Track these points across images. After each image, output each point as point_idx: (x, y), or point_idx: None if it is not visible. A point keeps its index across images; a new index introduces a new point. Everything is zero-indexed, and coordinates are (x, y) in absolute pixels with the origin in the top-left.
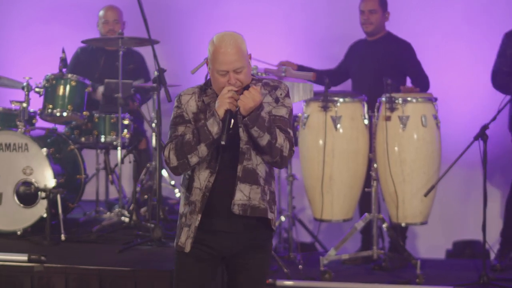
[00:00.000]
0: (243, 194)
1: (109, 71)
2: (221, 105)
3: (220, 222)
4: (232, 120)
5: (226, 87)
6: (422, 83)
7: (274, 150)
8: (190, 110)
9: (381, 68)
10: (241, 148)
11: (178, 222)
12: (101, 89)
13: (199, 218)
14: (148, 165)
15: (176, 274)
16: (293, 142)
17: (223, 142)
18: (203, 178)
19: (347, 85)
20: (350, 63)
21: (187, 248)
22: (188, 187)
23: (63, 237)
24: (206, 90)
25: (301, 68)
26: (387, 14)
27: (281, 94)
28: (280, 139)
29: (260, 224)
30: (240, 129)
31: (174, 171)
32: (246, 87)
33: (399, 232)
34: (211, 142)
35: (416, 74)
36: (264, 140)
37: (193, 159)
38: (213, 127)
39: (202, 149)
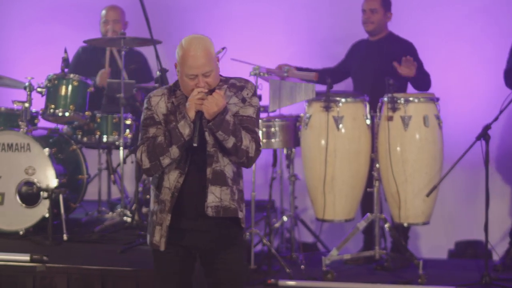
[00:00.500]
0: (214, 196)
1: (111, 71)
2: (191, 107)
3: (189, 221)
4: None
5: (195, 89)
6: (423, 81)
7: (239, 152)
8: (160, 111)
9: (382, 68)
10: (208, 151)
11: (149, 219)
12: (99, 74)
13: (169, 218)
14: None
15: (155, 272)
16: (260, 143)
17: (195, 144)
18: (172, 178)
19: (349, 85)
20: (351, 62)
21: (162, 247)
22: (158, 186)
23: (65, 237)
24: (175, 91)
25: (300, 70)
26: (389, 15)
27: (247, 94)
28: (246, 140)
29: (229, 222)
30: (206, 132)
31: (147, 172)
32: (211, 91)
33: (401, 232)
34: (182, 144)
35: (420, 75)
36: (230, 143)
37: (165, 161)
38: (185, 129)
39: (174, 151)
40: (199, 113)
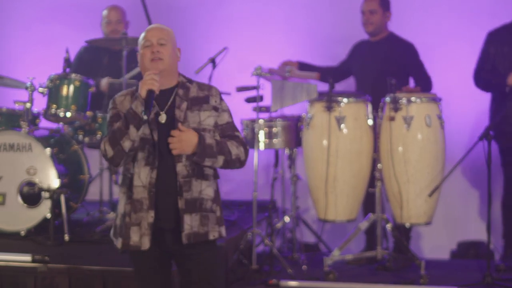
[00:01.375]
0: (186, 224)
1: (112, 71)
2: (143, 87)
3: (166, 218)
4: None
5: (146, 72)
6: (425, 84)
7: (231, 163)
8: (124, 109)
9: (383, 69)
10: (178, 182)
11: (119, 222)
12: (105, 80)
13: (152, 215)
14: None
15: (136, 273)
16: (245, 142)
17: (145, 117)
18: (144, 175)
19: (351, 85)
20: (352, 62)
21: (146, 245)
22: (129, 186)
23: (66, 237)
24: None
25: (302, 65)
26: (388, 14)
27: (216, 101)
28: (234, 149)
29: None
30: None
31: (112, 161)
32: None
33: (403, 232)
34: (137, 122)
35: (419, 75)
36: (219, 162)
37: (126, 144)
38: (138, 108)
39: (132, 131)
40: (150, 92)
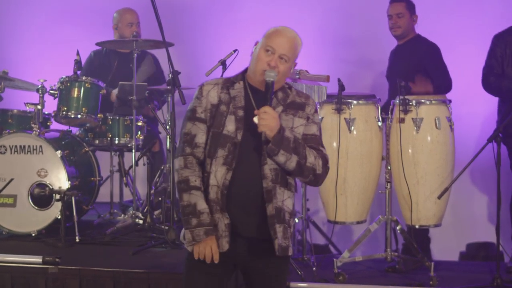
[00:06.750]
0: (279, 233)
1: (122, 74)
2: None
3: (244, 224)
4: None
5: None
6: (441, 84)
7: (305, 170)
8: (210, 101)
9: (407, 70)
10: (264, 187)
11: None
12: (115, 91)
13: (227, 216)
14: (162, 167)
15: (191, 276)
16: (327, 158)
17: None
18: (220, 174)
19: (362, 87)
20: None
21: (224, 247)
22: (206, 186)
23: (77, 239)
24: (234, 83)
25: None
26: (414, 17)
27: (310, 111)
28: (311, 157)
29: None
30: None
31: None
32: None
33: (419, 234)
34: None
35: (439, 75)
36: (293, 162)
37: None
38: (187, 235)
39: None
40: (268, 85)
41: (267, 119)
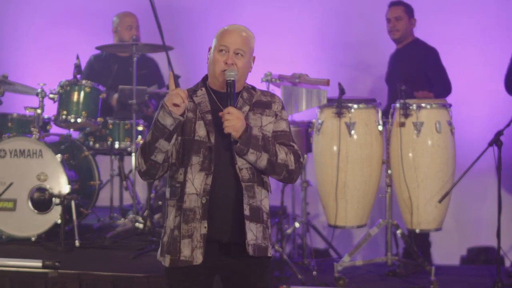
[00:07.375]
0: (252, 233)
1: (122, 78)
2: (171, 99)
3: (222, 229)
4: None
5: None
6: (441, 89)
7: (277, 167)
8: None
9: (406, 73)
10: (241, 187)
11: (167, 238)
12: (115, 96)
13: (205, 225)
14: None
15: None
16: (299, 153)
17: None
18: (198, 181)
19: (360, 91)
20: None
21: (198, 260)
22: (180, 196)
23: (77, 243)
24: (196, 91)
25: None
26: (413, 21)
27: (277, 108)
28: (282, 154)
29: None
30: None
31: (146, 175)
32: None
33: (419, 238)
34: (168, 134)
35: (436, 79)
36: (263, 160)
37: (158, 156)
38: (165, 120)
39: (163, 144)
40: (229, 83)
41: (231, 120)
